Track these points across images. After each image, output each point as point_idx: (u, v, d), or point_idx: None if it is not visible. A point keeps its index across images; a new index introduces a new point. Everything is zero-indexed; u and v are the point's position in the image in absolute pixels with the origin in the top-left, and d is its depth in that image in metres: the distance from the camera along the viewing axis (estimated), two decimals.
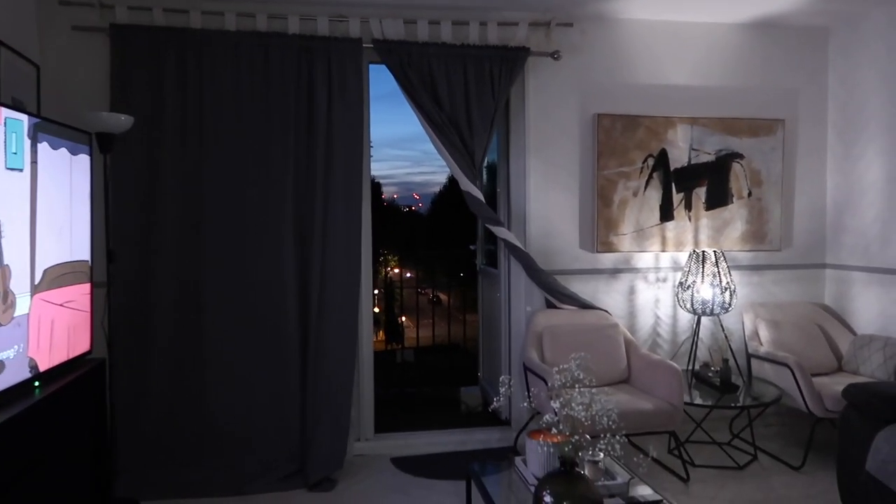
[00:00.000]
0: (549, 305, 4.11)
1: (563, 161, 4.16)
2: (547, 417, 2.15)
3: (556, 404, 2.12)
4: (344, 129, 3.73)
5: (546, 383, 3.44)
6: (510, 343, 4.23)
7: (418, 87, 3.83)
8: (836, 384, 3.69)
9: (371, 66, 3.96)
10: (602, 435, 2.08)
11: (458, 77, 3.88)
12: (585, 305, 4.10)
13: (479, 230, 5.08)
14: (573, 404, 2.06)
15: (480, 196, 3.92)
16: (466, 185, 3.92)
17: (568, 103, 4.15)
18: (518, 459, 2.70)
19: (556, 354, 3.79)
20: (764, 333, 4.11)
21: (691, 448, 3.86)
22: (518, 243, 3.99)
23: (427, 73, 3.86)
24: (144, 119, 3.50)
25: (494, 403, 2.32)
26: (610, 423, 2.06)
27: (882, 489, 2.69)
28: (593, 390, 2.11)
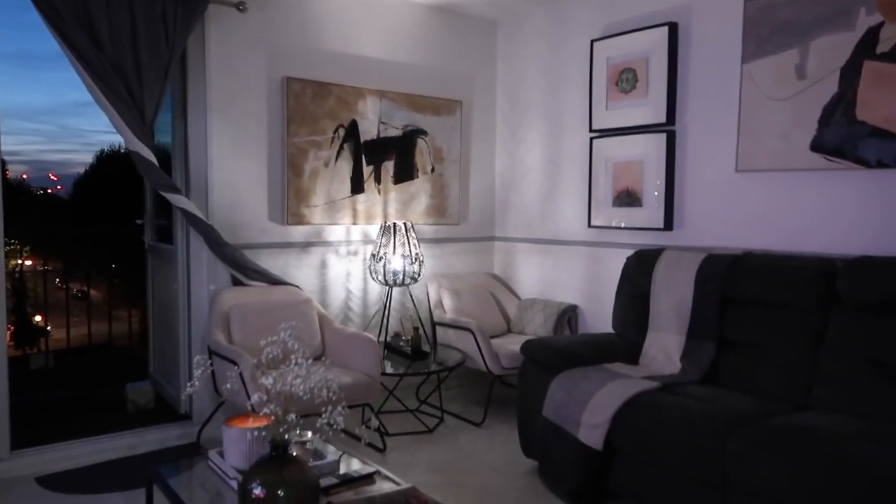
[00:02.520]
0: (236, 283, 3.74)
1: (251, 125, 3.81)
2: (255, 397, 1.86)
3: (268, 381, 1.84)
4: None
5: (237, 366, 3.10)
6: (190, 328, 3.74)
7: (69, 20, 3.11)
8: (509, 344, 4.04)
9: None
10: (323, 410, 1.87)
11: (122, 15, 3.26)
12: (276, 281, 3.83)
13: (147, 202, 4.42)
14: (289, 378, 1.81)
15: (152, 158, 3.36)
16: (135, 144, 3.33)
17: (255, 62, 3.80)
18: (212, 453, 2.34)
19: (247, 335, 3.46)
20: (447, 302, 4.33)
21: (384, 417, 3.87)
22: (199, 213, 3.53)
23: (81, 6, 3.16)
24: None
25: (188, 389, 1.94)
26: (331, 394, 1.86)
27: (557, 430, 2.98)
28: (309, 361, 1.89)
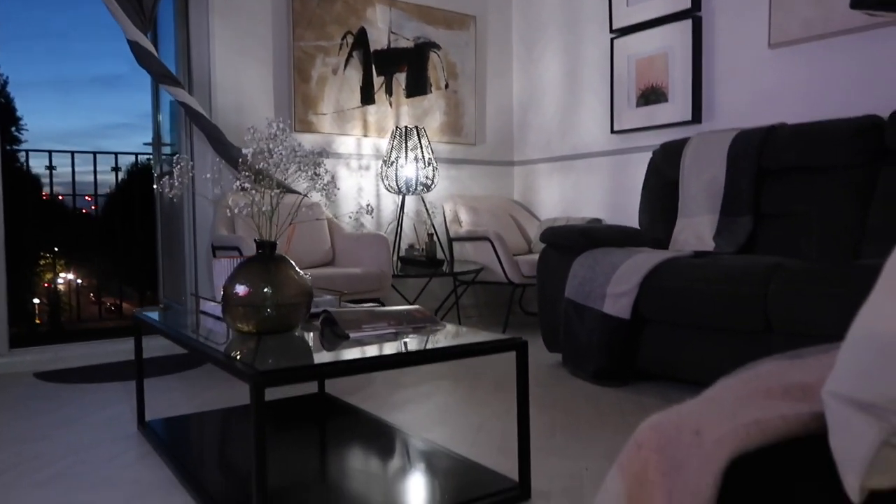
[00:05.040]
0: (241, 189, 3.59)
1: (255, 27, 3.66)
2: (237, 185, 1.69)
3: (247, 151, 1.67)
4: None
5: (240, 252, 2.94)
6: (195, 232, 3.60)
7: None
8: (529, 259, 3.83)
9: None
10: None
11: None
12: (283, 189, 3.67)
13: (153, 120, 4.30)
14: (270, 145, 1.64)
15: (151, 48, 3.24)
16: (133, 33, 3.21)
17: None
18: (203, 300, 2.18)
19: (252, 233, 3.30)
20: (464, 217, 4.13)
21: None
22: (202, 110, 3.39)
23: None
24: None
25: (166, 186, 1.77)
26: (316, 169, 1.69)
27: (580, 309, 2.76)
28: (288, 131, 1.71)
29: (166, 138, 4.16)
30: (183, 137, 3.62)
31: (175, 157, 1.79)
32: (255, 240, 1.70)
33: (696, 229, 3.06)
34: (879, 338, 0.61)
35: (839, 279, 2.00)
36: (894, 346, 0.59)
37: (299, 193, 3.70)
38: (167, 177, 1.76)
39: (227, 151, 3.48)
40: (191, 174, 1.80)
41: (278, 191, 1.67)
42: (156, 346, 3.38)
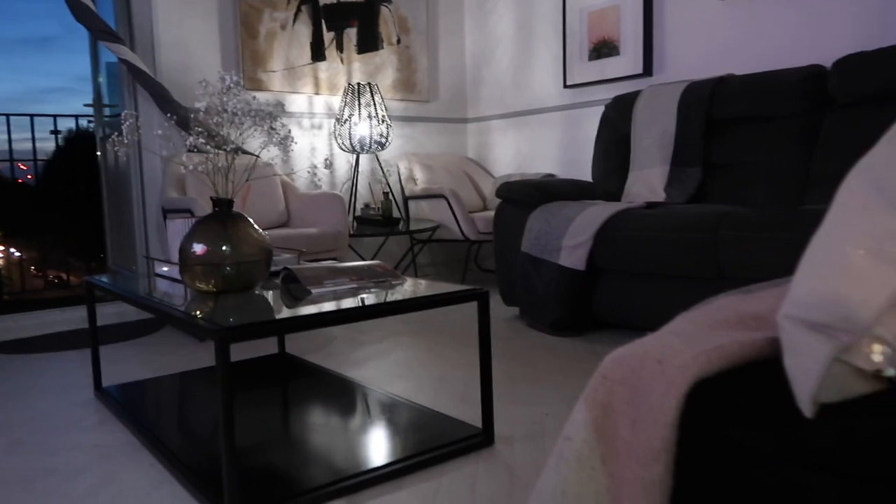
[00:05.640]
0: (193, 149, 3.49)
1: None
2: (190, 140, 1.65)
3: (201, 105, 1.63)
4: None
5: (192, 214, 2.88)
6: (144, 196, 3.50)
7: None
8: (485, 216, 3.85)
9: None
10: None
11: None
12: (237, 150, 3.58)
13: (93, 81, 4.12)
14: (224, 99, 1.60)
15: (88, 1, 3.09)
16: None
17: None
18: (157, 264, 2.13)
19: (204, 196, 3.23)
20: (419, 175, 4.11)
21: None
22: (145, 68, 3.27)
23: None
24: None
25: (114, 145, 1.71)
26: (269, 118, 1.66)
27: (536, 262, 2.80)
28: (241, 85, 1.67)
29: (107, 100, 4.00)
30: (126, 98, 3.48)
31: (123, 114, 1.73)
32: (211, 197, 1.66)
33: (648, 181, 3.12)
34: (829, 261, 0.64)
35: (785, 224, 2.08)
36: (843, 268, 0.62)
37: (252, 154, 3.62)
38: (116, 134, 1.70)
39: (173, 110, 3.36)
40: (138, 132, 1.74)
41: (233, 145, 1.63)
42: (106, 314, 3.30)
